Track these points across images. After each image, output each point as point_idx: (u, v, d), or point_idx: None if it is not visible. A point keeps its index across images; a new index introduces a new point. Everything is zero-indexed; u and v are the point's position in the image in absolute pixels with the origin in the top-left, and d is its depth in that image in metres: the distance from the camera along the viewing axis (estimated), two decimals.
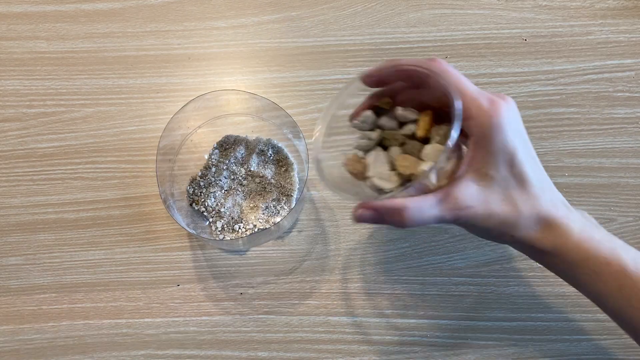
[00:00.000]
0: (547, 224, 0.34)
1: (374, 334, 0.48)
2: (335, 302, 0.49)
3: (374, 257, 0.50)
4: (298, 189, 0.50)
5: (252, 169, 0.50)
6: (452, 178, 0.34)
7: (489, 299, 0.49)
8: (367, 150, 0.37)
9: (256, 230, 0.49)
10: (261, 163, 0.51)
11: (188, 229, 0.43)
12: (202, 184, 0.50)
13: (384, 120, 0.37)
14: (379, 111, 0.37)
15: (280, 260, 0.50)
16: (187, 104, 0.47)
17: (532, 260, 0.37)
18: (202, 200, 0.49)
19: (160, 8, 0.56)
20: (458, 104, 0.31)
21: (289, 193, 0.50)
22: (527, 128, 0.52)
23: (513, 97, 0.56)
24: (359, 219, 0.34)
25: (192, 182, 0.50)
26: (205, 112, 0.51)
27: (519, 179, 0.33)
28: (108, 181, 0.51)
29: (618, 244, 0.35)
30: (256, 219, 0.49)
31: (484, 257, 0.50)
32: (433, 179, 0.33)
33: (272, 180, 0.50)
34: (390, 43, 0.55)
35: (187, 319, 0.48)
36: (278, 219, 0.49)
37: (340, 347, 0.48)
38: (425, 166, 0.33)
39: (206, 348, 0.48)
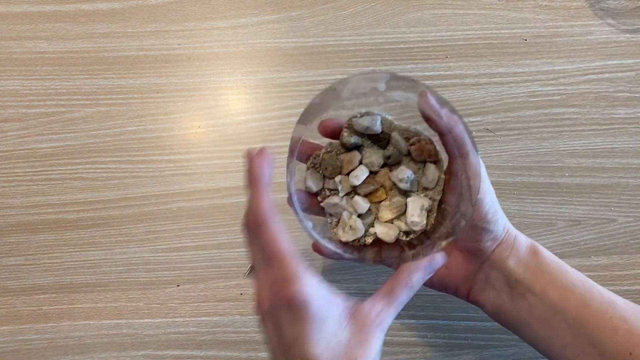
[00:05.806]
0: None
1: None
2: None
3: None
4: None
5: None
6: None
7: None
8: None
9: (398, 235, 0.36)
10: None
11: (313, 232, 0.34)
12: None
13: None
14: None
15: None
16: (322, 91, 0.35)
17: None
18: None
19: (160, 8, 0.56)
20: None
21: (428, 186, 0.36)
22: (527, 128, 0.53)
23: (513, 98, 0.56)
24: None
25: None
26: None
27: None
28: (108, 181, 0.51)
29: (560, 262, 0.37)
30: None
31: None
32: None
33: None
34: (390, 43, 0.55)
35: (187, 319, 0.48)
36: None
37: None
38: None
39: (206, 349, 0.48)
